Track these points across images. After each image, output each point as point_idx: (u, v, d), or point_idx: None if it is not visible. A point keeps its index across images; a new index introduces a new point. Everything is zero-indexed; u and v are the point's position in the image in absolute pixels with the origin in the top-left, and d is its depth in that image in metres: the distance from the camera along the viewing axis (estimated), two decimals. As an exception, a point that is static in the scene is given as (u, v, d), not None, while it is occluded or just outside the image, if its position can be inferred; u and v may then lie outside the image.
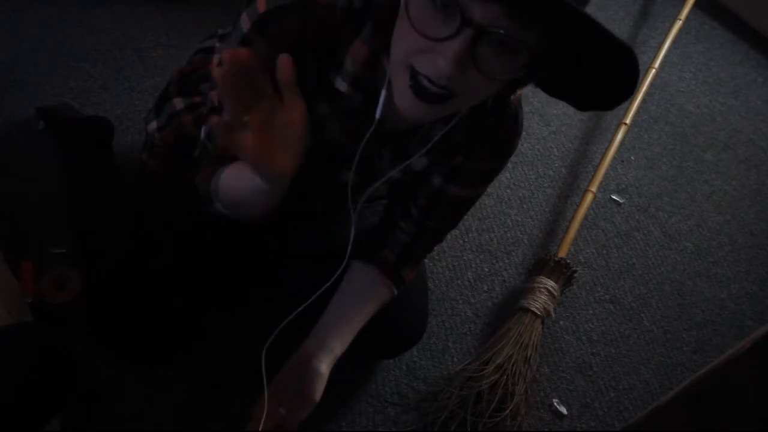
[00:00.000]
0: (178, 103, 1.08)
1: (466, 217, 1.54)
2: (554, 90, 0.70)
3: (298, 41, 0.74)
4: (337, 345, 0.97)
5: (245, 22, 0.75)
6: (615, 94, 0.66)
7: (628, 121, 1.69)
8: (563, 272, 1.39)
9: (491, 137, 0.86)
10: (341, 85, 0.78)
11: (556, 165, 1.71)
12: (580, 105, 0.70)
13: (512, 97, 0.83)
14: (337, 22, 0.74)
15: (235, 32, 0.76)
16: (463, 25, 0.58)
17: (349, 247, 0.89)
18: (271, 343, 0.92)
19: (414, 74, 0.64)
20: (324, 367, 0.94)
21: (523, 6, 0.57)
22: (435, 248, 1.06)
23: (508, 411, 1.19)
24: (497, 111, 0.84)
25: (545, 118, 1.80)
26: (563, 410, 1.29)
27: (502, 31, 0.58)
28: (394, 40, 0.66)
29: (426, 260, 1.37)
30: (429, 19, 0.60)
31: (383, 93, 0.74)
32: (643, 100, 1.81)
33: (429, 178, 0.92)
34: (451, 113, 0.78)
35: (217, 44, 1.09)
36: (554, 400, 1.30)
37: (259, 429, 0.88)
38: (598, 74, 0.65)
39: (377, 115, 0.76)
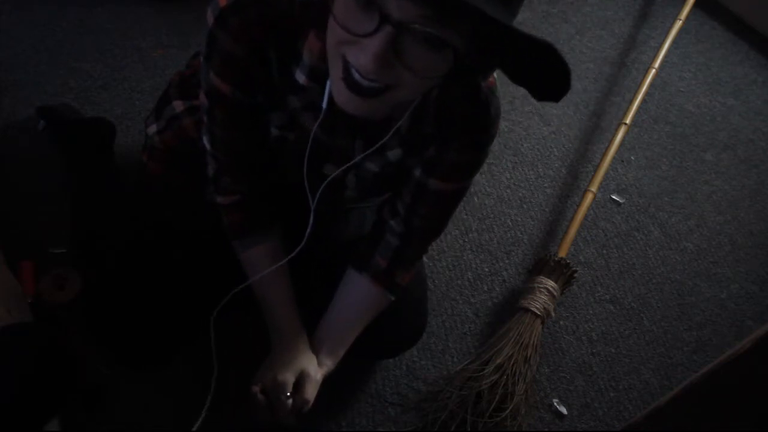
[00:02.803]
0: (179, 106, 1.08)
1: (465, 216, 1.54)
2: (513, 77, 0.70)
3: (259, 33, 0.76)
4: (330, 360, 0.98)
5: (210, 17, 0.77)
6: (554, 87, 0.66)
7: (628, 121, 1.69)
8: (563, 272, 1.39)
9: (463, 128, 0.85)
10: (300, 77, 0.79)
11: (556, 165, 1.71)
12: (534, 94, 0.70)
13: (483, 84, 0.82)
14: (296, 14, 0.75)
15: (205, 27, 0.79)
16: (383, 22, 0.59)
17: (308, 230, 0.90)
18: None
19: (346, 65, 0.65)
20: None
21: (435, 4, 0.58)
22: (434, 248, 1.06)
23: (508, 411, 1.19)
24: (467, 99, 0.83)
25: (545, 118, 1.80)
26: (563, 410, 1.29)
27: (420, 28, 0.59)
28: (328, 30, 0.67)
29: (426, 260, 1.37)
30: (351, 14, 0.62)
31: (328, 84, 0.75)
32: (643, 100, 1.81)
33: (411, 172, 0.91)
34: (396, 103, 0.78)
35: None
36: (554, 400, 1.30)
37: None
38: (532, 68, 0.65)
39: (323, 105, 0.78)
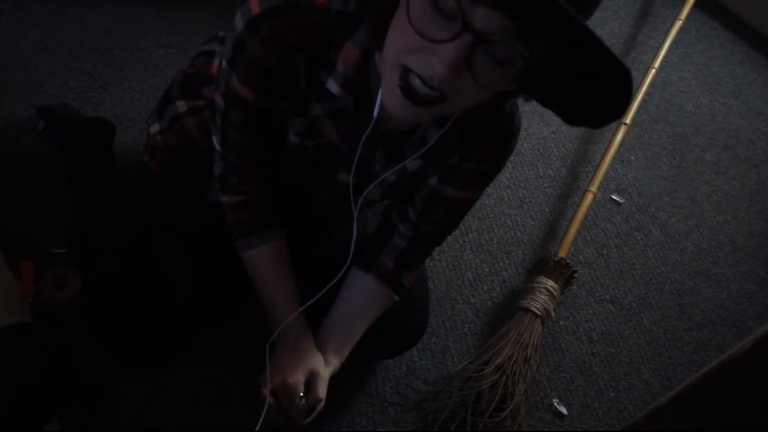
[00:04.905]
0: (181, 106, 1.08)
1: (465, 216, 1.54)
2: (547, 101, 0.70)
3: (291, 42, 0.75)
4: (336, 359, 0.98)
5: (239, 22, 0.76)
6: (605, 113, 0.66)
7: (628, 121, 1.69)
8: (563, 272, 1.39)
9: (487, 138, 0.86)
10: (332, 86, 0.78)
11: (556, 165, 1.71)
12: (570, 119, 0.70)
13: None
14: (330, 24, 0.74)
15: (231, 32, 0.77)
16: (464, 30, 0.58)
17: (352, 246, 0.90)
18: (259, 337, 0.96)
19: (405, 74, 0.64)
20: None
21: (523, 16, 0.57)
22: (435, 249, 1.06)
23: (508, 411, 1.19)
24: (492, 111, 0.84)
25: (545, 118, 1.80)
26: (563, 410, 1.29)
27: (499, 40, 0.58)
28: (389, 38, 0.66)
29: (426, 260, 1.37)
30: (429, 20, 0.60)
31: (380, 93, 0.74)
32: (643, 100, 1.81)
33: (425, 180, 0.92)
34: (443, 116, 0.78)
35: (218, 47, 1.09)
36: (554, 400, 1.30)
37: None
38: (592, 91, 0.64)
39: (375, 114, 0.76)
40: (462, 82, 0.62)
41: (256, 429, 0.90)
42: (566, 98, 0.68)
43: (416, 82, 0.63)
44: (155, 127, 1.11)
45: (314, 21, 0.74)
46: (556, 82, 0.66)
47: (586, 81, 0.63)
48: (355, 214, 0.89)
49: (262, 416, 0.90)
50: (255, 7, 0.74)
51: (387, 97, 0.68)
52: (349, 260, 0.90)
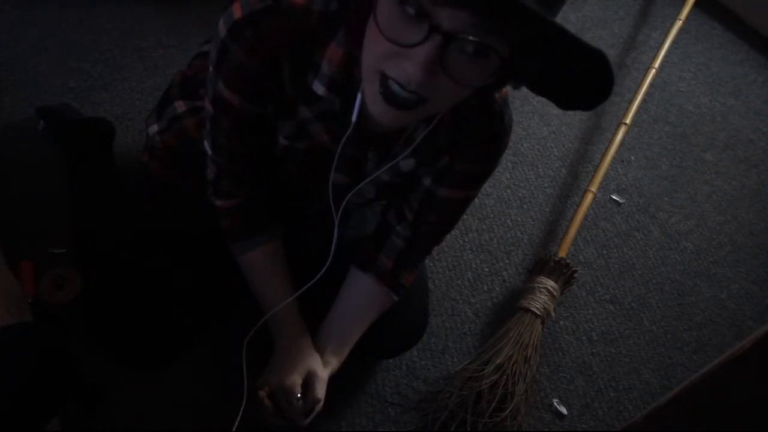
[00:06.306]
0: (180, 106, 1.08)
1: (465, 216, 1.54)
2: (536, 88, 0.70)
3: (274, 46, 0.75)
4: (335, 359, 0.98)
5: (222, 28, 0.75)
6: (592, 96, 0.66)
7: (628, 121, 1.69)
8: (563, 272, 1.39)
9: (477, 138, 0.86)
10: (318, 88, 0.78)
11: (556, 165, 1.71)
12: (562, 104, 0.70)
13: (497, 95, 0.83)
14: (313, 25, 0.74)
15: (215, 37, 0.77)
16: (432, 32, 0.58)
17: (333, 247, 0.90)
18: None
19: (384, 80, 0.64)
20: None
21: (489, 13, 0.57)
22: (434, 249, 1.06)
23: (508, 411, 1.19)
24: (481, 110, 0.83)
25: (545, 118, 1.80)
26: (563, 410, 1.29)
27: (470, 38, 0.58)
28: (364, 45, 0.66)
29: (426, 260, 1.37)
30: (397, 25, 0.60)
31: (359, 96, 0.74)
32: (643, 100, 1.81)
33: (419, 180, 0.92)
34: (428, 116, 0.78)
35: None
36: (554, 400, 1.30)
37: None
38: (573, 76, 0.65)
39: (353, 118, 0.76)
40: (439, 82, 0.62)
41: (233, 429, 0.90)
42: (550, 85, 0.68)
43: (395, 87, 0.64)
44: (154, 128, 1.11)
45: (297, 23, 0.73)
46: (535, 71, 0.66)
47: (565, 67, 0.63)
48: (336, 220, 0.89)
49: (239, 416, 0.91)
50: (237, 12, 0.74)
51: (369, 102, 0.68)
52: (328, 262, 0.91)
